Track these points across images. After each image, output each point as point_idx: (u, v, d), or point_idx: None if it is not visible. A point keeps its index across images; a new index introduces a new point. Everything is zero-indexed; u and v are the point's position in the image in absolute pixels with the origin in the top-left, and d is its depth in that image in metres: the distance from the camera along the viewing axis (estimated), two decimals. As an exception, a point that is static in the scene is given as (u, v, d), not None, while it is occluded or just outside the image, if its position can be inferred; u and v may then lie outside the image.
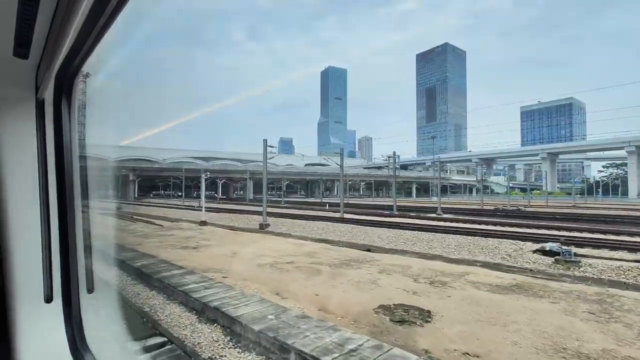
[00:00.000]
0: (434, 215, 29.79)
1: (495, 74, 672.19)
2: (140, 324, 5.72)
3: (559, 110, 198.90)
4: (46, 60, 1.21)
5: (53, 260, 1.51)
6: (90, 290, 1.71)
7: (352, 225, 19.73)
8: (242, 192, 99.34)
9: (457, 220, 22.93)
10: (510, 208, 38.77)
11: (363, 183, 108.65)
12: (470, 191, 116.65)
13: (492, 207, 39.62)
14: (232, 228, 19.92)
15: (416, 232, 16.10)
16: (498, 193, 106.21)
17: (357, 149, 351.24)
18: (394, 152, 31.80)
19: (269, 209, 40.93)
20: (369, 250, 12.58)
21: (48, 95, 1.45)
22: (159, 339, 4.99)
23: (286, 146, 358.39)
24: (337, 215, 27.02)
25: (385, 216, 27.20)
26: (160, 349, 4.76)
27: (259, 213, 29.88)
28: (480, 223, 21.05)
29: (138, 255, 10.69)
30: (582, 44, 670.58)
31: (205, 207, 39.05)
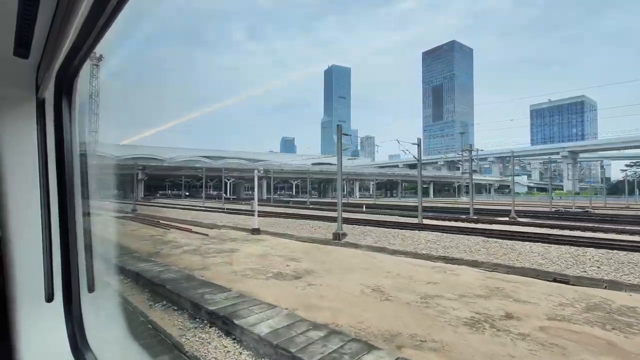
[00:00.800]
0: (506, 218, 25.54)
1: (495, 73, 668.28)
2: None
3: (570, 108, 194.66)
4: (46, 60, 1.19)
5: (54, 259, 1.48)
6: (91, 289, 1.67)
7: (453, 235, 15.34)
8: (250, 192, 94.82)
9: (560, 227, 18.61)
10: (576, 210, 34.50)
11: (373, 183, 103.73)
12: (486, 190, 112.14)
13: (552, 209, 35.36)
14: (298, 239, 15.55)
15: (576, 248, 11.63)
16: (518, 193, 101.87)
17: (359, 148, 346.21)
18: (471, 145, 27.35)
19: (302, 211, 36.38)
20: (556, 281, 8.28)
21: (48, 94, 1.43)
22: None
23: (289, 146, 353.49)
24: (408, 220, 22.76)
25: (469, 221, 22.79)
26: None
27: (307, 217, 25.27)
28: (597, 230, 16.78)
29: (248, 303, 6.26)
30: (582, 43, 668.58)
31: (231, 209, 33.96)
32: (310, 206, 43.73)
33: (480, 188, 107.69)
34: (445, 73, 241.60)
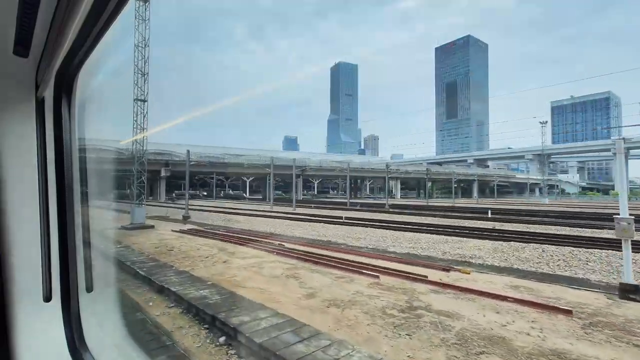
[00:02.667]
0: None
1: (495, 73, 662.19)
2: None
3: (595, 104, 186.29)
4: (46, 59, 1.19)
5: (52, 259, 1.44)
6: (89, 289, 1.64)
7: None
8: (269, 190, 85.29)
9: None
10: None
11: (393, 182, 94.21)
12: (522, 191, 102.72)
13: None
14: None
15: None
16: (569, 194, 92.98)
17: (363, 147, 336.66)
18: None
19: (373, 215, 26.91)
20: None
21: (48, 93, 1.41)
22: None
23: (291, 144, 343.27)
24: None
25: None
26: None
27: (502, 235, 15.32)
28: None
29: None
30: (582, 43, 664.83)
31: (332, 217, 22.72)
32: (388, 210, 34.19)
33: (523, 188, 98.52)
34: (460, 69, 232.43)
